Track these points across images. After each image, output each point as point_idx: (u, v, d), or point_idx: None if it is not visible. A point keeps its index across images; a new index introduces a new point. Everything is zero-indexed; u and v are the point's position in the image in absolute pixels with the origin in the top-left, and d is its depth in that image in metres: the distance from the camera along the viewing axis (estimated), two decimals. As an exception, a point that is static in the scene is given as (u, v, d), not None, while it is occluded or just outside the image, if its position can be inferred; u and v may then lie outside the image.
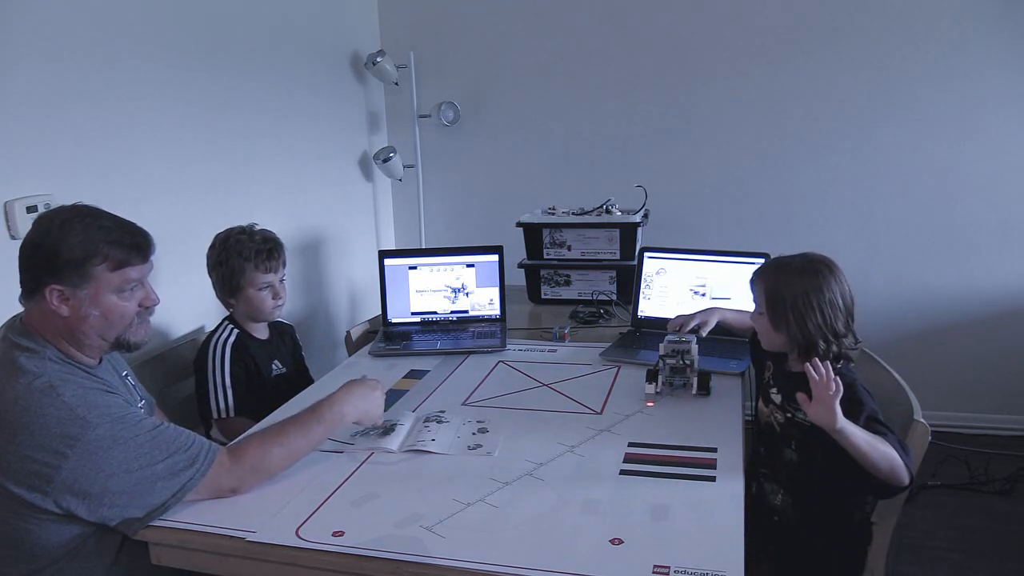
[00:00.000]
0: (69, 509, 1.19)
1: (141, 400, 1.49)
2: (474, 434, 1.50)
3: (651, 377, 1.67)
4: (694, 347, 1.66)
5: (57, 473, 1.16)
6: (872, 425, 1.32)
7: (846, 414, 1.28)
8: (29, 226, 1.57)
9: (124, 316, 1.30)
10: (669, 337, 1.68)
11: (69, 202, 1.61)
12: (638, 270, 2.14)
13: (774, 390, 1.53)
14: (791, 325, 1.43)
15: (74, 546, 1.25)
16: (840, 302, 1.44)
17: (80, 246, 1.23)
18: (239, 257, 1.89)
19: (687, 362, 1.66)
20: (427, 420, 1.56)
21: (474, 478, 1.32)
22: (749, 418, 1.60)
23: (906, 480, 1.29)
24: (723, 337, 1.97)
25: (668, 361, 1.66)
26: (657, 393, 1.65)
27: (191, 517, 1.21)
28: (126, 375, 1.48)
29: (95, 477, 1.17)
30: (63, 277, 1.23)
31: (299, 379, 2.07)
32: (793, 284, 1.44)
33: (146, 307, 1.34)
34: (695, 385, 1.65)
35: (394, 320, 2.22)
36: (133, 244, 1.29)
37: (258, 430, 1.42)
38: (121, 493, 1.19)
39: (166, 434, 1.25)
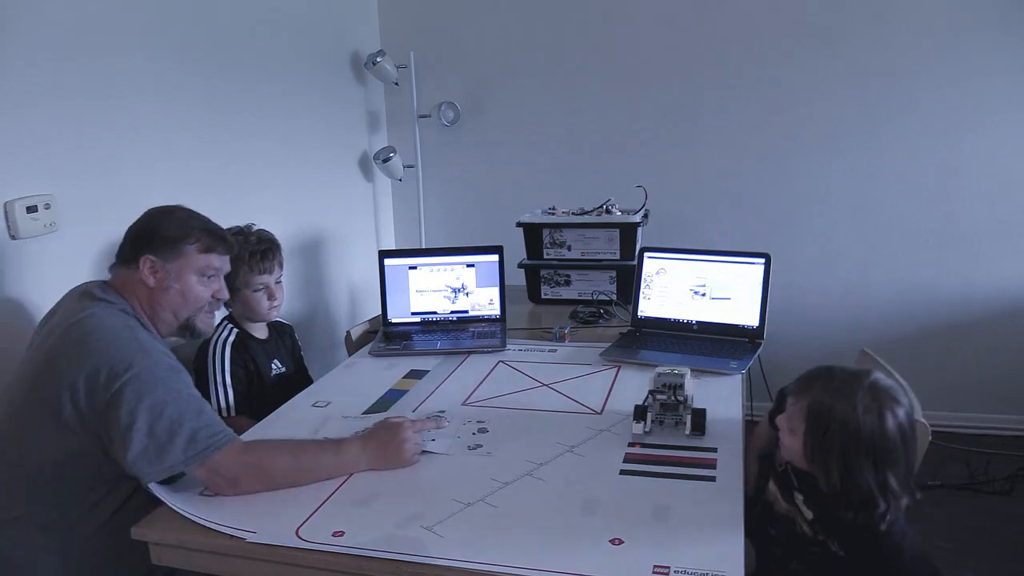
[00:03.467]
0: (106, 435, 1.25)
1: None
2: (474, 434, 1.50)
3: (639, 415, 1.47)
4: (688, 381, 1.49)
5: (106, 392, 1.24)
6: None
7: None
8: (29, 226, 1.60)
9: (198, 299, 1.48)
10: (659, 370, 1.50)
11: (69, 202, 1.64)
12: (638, 270, 2.14)
13: (800, 496, 1.27)
14: (832, 472, 1.16)
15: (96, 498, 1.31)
16: (902, 448, 1.15)
17: (178, 226, 1.46)
18: (234, 257, 1.89)
19: (680, 398, 1.48)
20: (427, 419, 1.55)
21: (474, 478, 1.32)
22: (749, 418, 1.60)
23: None
24: (723, 337, 1.98)
25: (659, 397, 1.49)
26: (646, 432, 1.47)
27: (191, 517, 1.21)
28: None
29: (136, 406, 1.24)
30: (158, 250, 1.43)
31: (299, 379, 2.07)
32: (852, 419, 1.14)
33: (217, 299, 1.53)
34: (688, 424, 1.46)
35: (394, 320, 2.22)
36: (221, 236, 1.52)
37: (277, 438, 1.44)
38: (148, 434, 1.24)
39: (205, 406, 1.32)
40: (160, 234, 1.44)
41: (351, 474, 1.35)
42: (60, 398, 1.26)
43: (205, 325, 1.53)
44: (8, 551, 1.30)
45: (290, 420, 1.62)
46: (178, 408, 1.27)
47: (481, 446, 1.45)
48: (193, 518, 1.21)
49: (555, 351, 2.02)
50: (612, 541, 1.11)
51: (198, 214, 1.52)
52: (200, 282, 1.48)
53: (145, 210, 1.51)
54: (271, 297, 1.95)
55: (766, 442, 1.42)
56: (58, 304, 1.45)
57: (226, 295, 1.56)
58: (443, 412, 1.60)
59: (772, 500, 1.33)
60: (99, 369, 1.26)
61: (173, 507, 1.23)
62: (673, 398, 1.48)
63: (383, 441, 1.38)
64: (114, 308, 1.38)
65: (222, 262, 1.53)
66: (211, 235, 1.49)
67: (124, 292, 1.43)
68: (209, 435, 1.27)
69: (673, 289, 2.09)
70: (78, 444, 1.28)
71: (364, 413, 1.63)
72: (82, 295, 1.41)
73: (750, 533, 1.18)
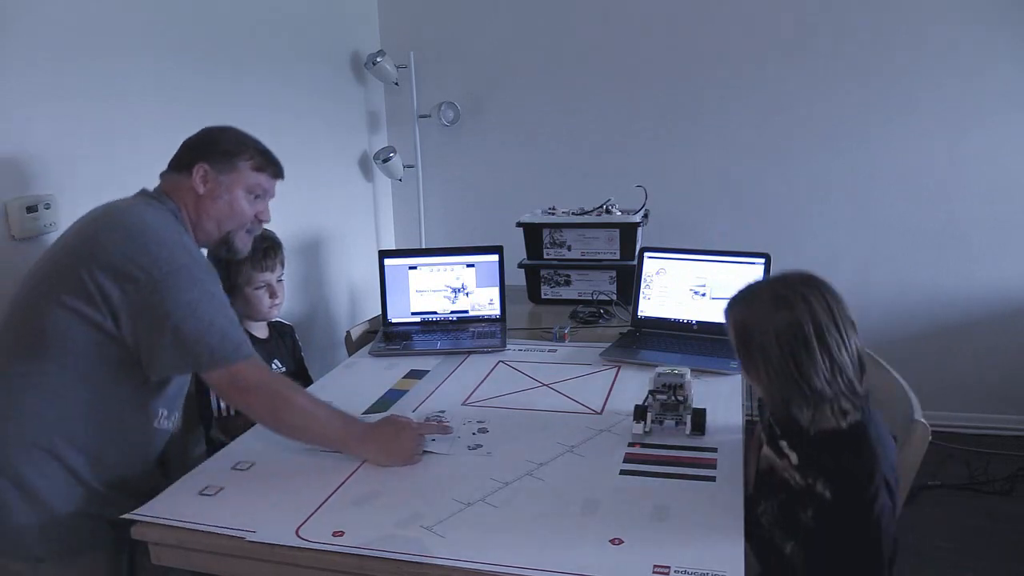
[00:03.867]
0: (132, 327, 1.28)
1: None
2: (474, 434, 1.50)
3: (639, 415, 1.47)
4: (688, 381, 1.48)
5: (146, 283, 1.27)
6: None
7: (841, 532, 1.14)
8: (29, 226, 1.60)
9: (242, 215, 1.50)
10: (659, 370, 1.50)
11: (69, 202, 1.63)
12: (638, 270, 2.14)
13: (784, 443, 1.28)
14: (762, 374, 1.21)
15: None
16: (830, 338, 1.17)
17: (236, 141, 1.50)
18: None
19: (680, 398, 1.47)
20: (427, 420, 1.56)
21: (474, 478, 1.32)
22: (749, 418, 1.60)
23: None
24: (723, 337, 1.97)
25: (658, 397, 1.48)
26: (646, 432, 1.47)
27: (191, 517, 1.21)
28: None
29: (173, 300, 1.27)
30: (213, 160, 1.46)
31: (299, 379, 2.06)
32: (760, 319, 1.21)
33: (260, 220, 1.55)
34: (689, 424, 1.46)
35: (394, 320, 2.22)
36: (273, 159, 1.54)
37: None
38: (177, 329, 1.27)
39: (235, 318, 1.37)
40: (217, 146, 1.48)
41: (346, 455, 1.39)
42: (94, 274, 1.27)
43: (242, 244, 1.54)
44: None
45: (290, 420, 1.62)
46: (212, 309, 1.31)
47: (481, 446, 1.45)
48: (193, 524, 1.20)
49: (555, 351, 2.02)
50: (612, 541, 1.11)
51: (252, 136, 1.55)
52: (247, 199, 1.50)
53: (207, 127, 1.55)
54: (272, 295, 1.95)
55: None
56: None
57: (268, 218, 1.56)
58: (443, 412, 1.60)
59: (766, 468, 1.33)
60: (140, 257, 1.29)
61: (171, 522, 1.22)
62: (673, 398, 1.48)
63: (388, 436, 1.39)
64: (164, 209, 1.42)
65: (270, 184, 1.55)
66: (264, 156, 1.52)
67: (173, 196, 1.46)
68: (238, 342, 1.33)
69: (673, 289, 2.09)
70: (96, 319, 1.28)
71: (364, 413, 1.63)
72: (135, 195, 1.46)
73: (749, 535, 1.17)
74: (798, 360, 1.16)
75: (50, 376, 1.28)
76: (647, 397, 1.50)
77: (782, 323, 1.18)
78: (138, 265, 1.28)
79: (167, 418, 1.44)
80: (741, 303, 1.28)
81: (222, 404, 1.85)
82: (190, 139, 1.52)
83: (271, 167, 1.54)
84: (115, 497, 1.32)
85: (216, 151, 1.47)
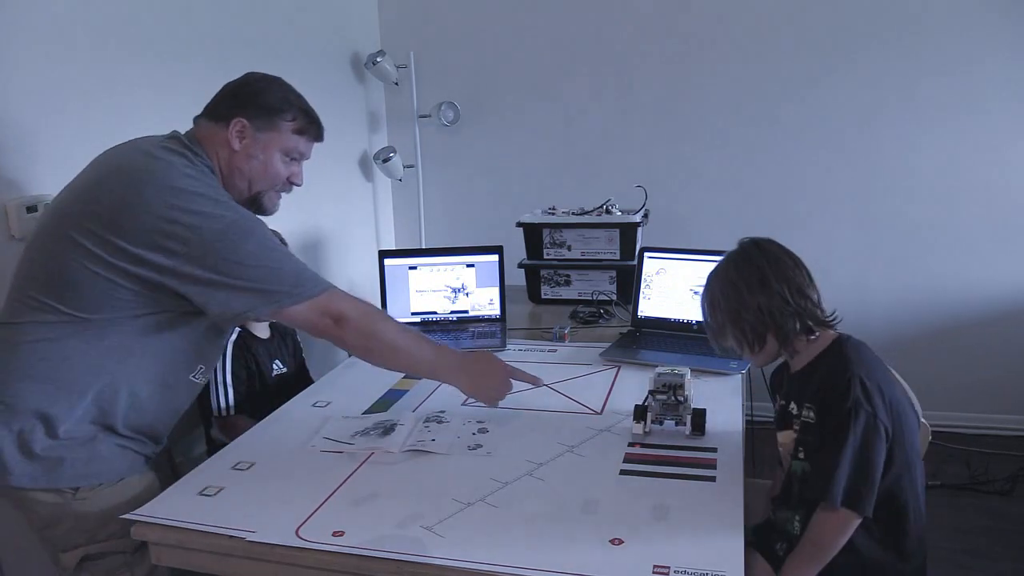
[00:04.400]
0: (184, 285, 1.26)
1: None
2: (474, 434, 1.50)
3: (639, 415, 1.47)
4: (688, 381, 1.48)
5: (199, 238, 1.24)
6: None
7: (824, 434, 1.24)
8: (29, 226, 1.59)
9: (275, 176, 1.44)
10: (659, 370, 1.50)
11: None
12: (638, 270, 2.14)
13: (791, 406, 1.37)
14: (735, 327, 1.35)
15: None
16: (776, 278, 1.33)
17: (281, 98, 1.42)
18: None
19: (680, 398, 1.47)
20: (427, 420, 1.56)
21: (474, 478, 1.32)
22: (749, 418, 1.60)
23: (854, 519, 1.21)
24: (723, 337, 1.97)
25: (658, 397, 1.48)
26: (646, 433, 1.47)
27: (191, 517, 1.21)
28: None
29: (236, 251, 1.26)
30: (252, 115, 1.39)
31: (300, 379, 2.06)
32: (715, 290, 1.38)
33: (292, 183, 1.48)
34: (689, 424, 1.47)
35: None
36: (317, 120, 1.47)
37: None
38: (251, 276, 1.26)
39: (289, 253, 1.37)
40: (259, 101, 1.40)
41: (440, 383, 1.51)
42: (132, 235, 1.23)
43: (271, 204, 1.49)
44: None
45: (290, 420, 1.62)
46: (274, 254, 1.31)
47: (481, 446, 1.45)
48: (193, 524, 1.20)
49: (555, 351, 2.02)
50: (612, 541, 1.11)
51: (297, 92, 1.47)
52: (283, 160, 1.44)
53: (252, 73, 1.47)
54: None
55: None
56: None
57: (301, 181, 1.50)
58: (443, 412, 1.60)
59: (781, 454, 1.42)
60: (185, 217, 1.24)
61: (171, 522, 1.22)
62: (673, 398, 1.48)
63: (483, 372, 1.45)
64: (198, 162, 1.36)
65: (308, 148, 1.48)
66: (307, 116, 1.45)
67: (205, 145, 1.40)
68: (314, 276, 1.33)
69: (673, 289, 2.09)
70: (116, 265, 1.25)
71: (364, 413, 1.63)
72: (168, 138, 1.40)
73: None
74: (756, 290, 1.32)
75: (91, 325, 1.26)
76: (647, 397, 1.50)
77: (739, 273, 1.35)
78: (184, 225, 1.24)
79: (203, 373, 1.46)
80: (707, 283, 1.42)
81: (222, 404, 1.85)
82: (231, 85, 1.44)
83: (313, 129, 1.46)
84: (139, 437, 1.37)
85: (257, 105, 1.40)
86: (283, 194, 1.51)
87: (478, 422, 1.56)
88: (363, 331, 1.37)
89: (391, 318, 1.45)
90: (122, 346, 1.29)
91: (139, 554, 1.29)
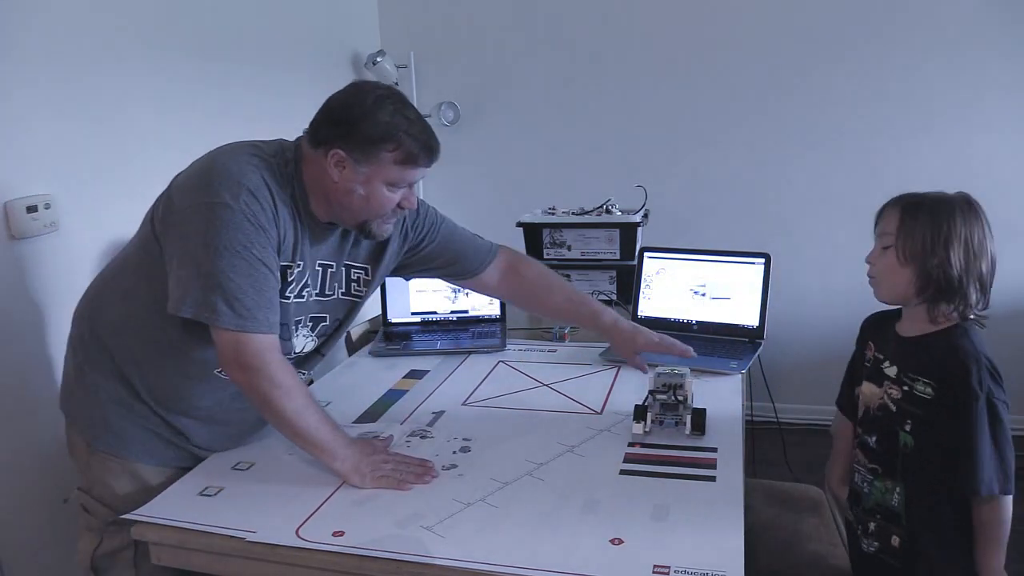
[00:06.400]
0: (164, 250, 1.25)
1: (314, 290, 1.42)
2: (454, 452, 1.43)
3: (639, 415, 1.47)
4: (688, 381, 1.48)
5: (182, 203, 1.24)
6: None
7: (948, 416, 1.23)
8: (29, 226, 1.59)
9: (383, 207, 1.33)
10: (659, 370, 1.50)
11: (69, 202, 1.62)
12: (638, 270, 2.14)
13: (886, 363, 1.36)
14: (928, 256, 1.25)
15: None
16: (988, 246, 1.29)
17: (385, 126, 1.26)
18: None
19: (680, 398, 1.47)
20: (411, 435, 1.51)
21: (474, 478, 1.32)
22: (749, 418, 1.60)
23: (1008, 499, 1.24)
24: (723, 337, 1.97)
25: (659, 397, 1.48)
26: (646, 432, 1.46)
27: (191, 517, 1.21)
28: (330, 266, 1.45)
29: (204, 234, 1.20)
30: (351, 148, 1.27)
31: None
32: (941, 210, 1.27)
33: (403, 208, 1.37)
34: (688, 424, 1.46)
35: (394, 320, 2.22)
36: (427, 144, 1.31)
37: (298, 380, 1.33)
38: (201, 264, 1.20)
39: (263, 278, 1.24)
40: (360, 130, 1.26)
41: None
42: (161, 200, 1.30)
43: (381, 231, 1.38)
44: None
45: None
46: (235, 264, 1.21)
47: (456, 466, 1.37)
48: (193, 524, 1.20)
49: (555, 351, 2.02)
50: (612, 541, 1.11)
51: (408, 108, 1.31)
52: (388, 190, 1.32)
53: (361, 89, 1.31)
54: None
55: (842, 467, 1.52)
56: None
57: (413, 205, 1.39)
58: (429, 428, 1.55)
59: (865, 408, 1.40)
60: (187, 180, 1.27)
61: (171, 522, 1.22)
62: (673, 398, 1.48)
63: (365, 453, 1.32)
64: (269, 163, 1.29)
65: (419, 175, 1.35)
66: (416, 142, 1.29)
67: (305, 166, 1.32)
68: (251, 311, 1.21)
69: (673, 289, 2.09)
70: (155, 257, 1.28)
71: (362, 414, 1.62)
72: (273, 141, 1.36)
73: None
74: (969, 253, 1.27)
75: (136, 292, 1.31)
76: (647, 397, 1.49)
77: (962, 220, 1.29)
78: (185, 188, 1.26)
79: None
80: (917, 200, 1.33)
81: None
82: (332, 105, 1.30)
83: (423, 155, 1.31)
84: (176, 422, 1.38)
85: (357, 136, 1.26)
86: (394, 217, 1.40)
87: (464, 439, 1.49)
88: (260, 389, 1.25)
89: (303, 391, 1.30)
90: (151, 325, 1.33)
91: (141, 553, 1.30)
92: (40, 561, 1.68)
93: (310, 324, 1.46)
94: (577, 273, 2.47)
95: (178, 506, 1.25)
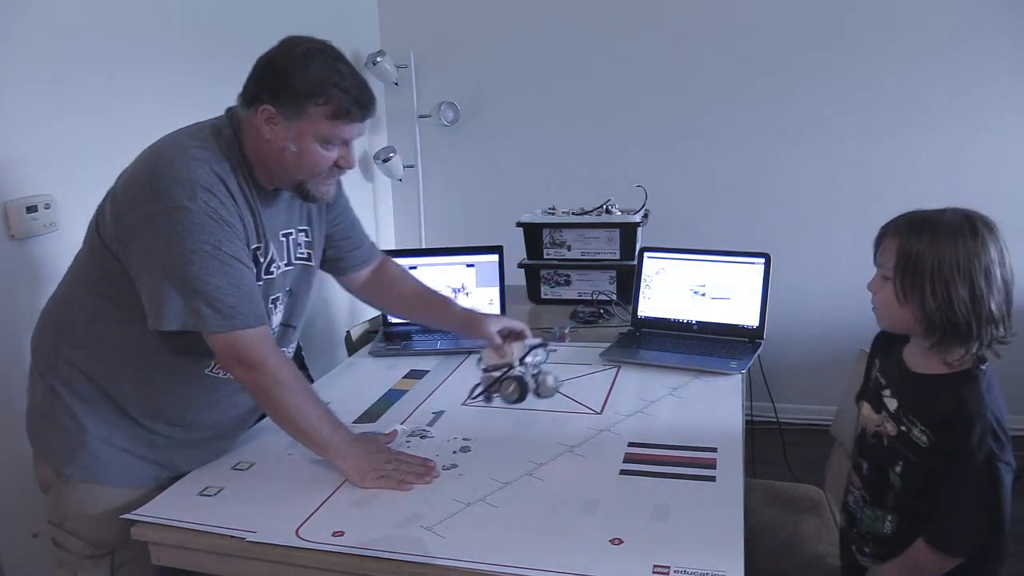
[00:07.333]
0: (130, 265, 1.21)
1: (282, 262, 1.39)
2: (454, 452, 1.44)
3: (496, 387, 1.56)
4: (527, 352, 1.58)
5: (137, 213, 1.19)
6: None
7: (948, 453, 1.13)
8: (29, 226, 1.59)
9: (317, 165, 1.27)
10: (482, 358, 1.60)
11: (69, 202, 1.61)
12: (638, 270, 2.14)
13: (887, 392, 1.28)
14: (927, 299, 1.13)
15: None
16: (999, 274, 1.13)
17: (310, 80, 1.21)
18: None
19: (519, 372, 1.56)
20: (412, 435, 1.52)
21: (474, 478, 1.32)
22: (749, 418, 1.60)
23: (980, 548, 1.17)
24: (723, 337, 1.98)
25: (493, 373, 1.58)
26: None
27: (191, 517, 1.21)
28: (290, 233, 1.41)
29: (166, 241, 1.17)
30: (280, 101, 1.22)
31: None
32: (940, 241, 1.13)
33: (341, 167, 1.32)
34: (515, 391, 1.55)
35: (394, 320, 2.22)
36: (359, 99, 1.25)
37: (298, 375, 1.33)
38: (172, 276, 1.17)
39: (239, 273, 1.21)
40: (288, 83, 1.21)
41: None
42: (107, 206, 1.26)
43: (319, 192, 1.32)
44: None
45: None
46: (207, 265, 1.17)
47: (456, 466, 1.38)
48: (193, 524, 1.20)
49: (555, 351, 2.01)
50: (612, 541, 1.11)
51: (341, 62, 1.25)
52: (322, 147, 1.26)
53: (289, 43, 1.26)
54: None
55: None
56: None
57: (351, 164, 1.32)
58: (429, 428, 1.56)
59: (861, 430, 1.33)
60: (135, 188, 1.21)
61: (171, 522, 1.22)
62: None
63: (369, 452, 1.33)
64: (210, 147, 1.24)
65: (355, 130, 1.28)
66: (346, 96, 1.23)
67: (243, 131, 1.27)
68: (234, 307, 1.19)
69: (673, 289, 2.09)
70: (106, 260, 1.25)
71: (354, 422, 1.60)
72: (211, 121, 1.31)
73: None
74: (975, 291, 1.12)
75: (105, 309, 1.27)
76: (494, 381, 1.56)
77: (965, 253, 1.13)
78: (130, 196, 1.21)
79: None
80: (916, 229, 1.18)
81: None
82: (262, 62, 1.26)
83: (355, 110, 1.25)
84: (163, 432, 1.34)
85: (284, 90, 1.21)
86: (333, 176, 1.35)
87: (464, 439, 1.49)
88: (266, 387, 1.26)
89: (303, 385, 1.30)
90: (123, 335, 1.30)
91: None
92: (41, 560, 1.67)
93: (285, 300, 1.44)
94: (577, 273, 2.47)
95: (178, 506, 1.25)
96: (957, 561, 1.18)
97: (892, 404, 1.26)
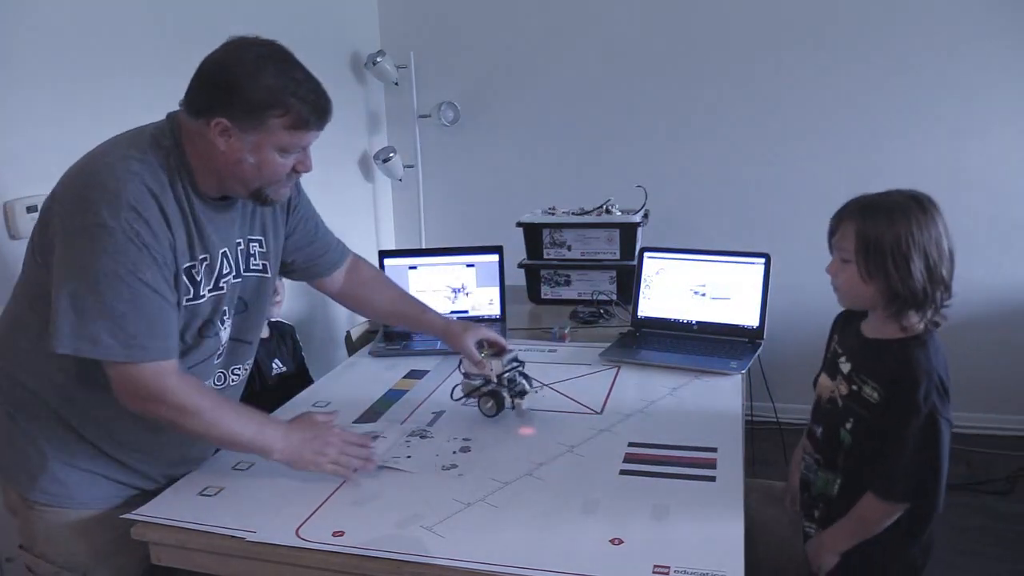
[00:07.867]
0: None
1: (231, 274, 1.32)
2: (454, 452, 1.43)
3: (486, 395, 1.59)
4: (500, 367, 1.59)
5: (61, 225, 1.13)
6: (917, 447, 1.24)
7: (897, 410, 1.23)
8: (29, 226, 1.58)
9: (276, 173, 1.24)
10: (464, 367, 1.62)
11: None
12: (638, 270, 2.14)
13: (843, 359, 1.38)
14: (891, 274, 1.23)
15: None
16: (946, 244, 1.26)
17: (266, 91, 1.16)
18: None
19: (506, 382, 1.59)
20: (411, 434, 1.51)
21: (474, 478, 1.32)
22: (749, 418, 1.60)
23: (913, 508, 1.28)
24: (723, 337, 1.98)
25: (475, 381, 1.61)
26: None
27: (191, 517, 1.21)
28: (241, 244, 1.35)
29: (81, 257, 1.10)
30: (235, 115, 1.16)
31: (300, 379, 2.07)
32: (896, 222, 1.24)
33: (298, 172, 1.28)
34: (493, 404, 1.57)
35: (394, 320, 2.22)
36: (317, 106, 1.22)
37: (212, 390, 1.30)
38: (76, 293, 1.10)
39: (149, 303, 1.13)
40: (243, 95, 1.15)
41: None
42: (41, 221, 1.19)
43: (278, 195, 1.29)
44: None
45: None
46: (118, 290, 1.11)
47: (456, 466, 1.37)
48: (193, 524, 1.20)
49: (555, 351, 2.02)
50: (612, 541, 1.11)
51: (295, 68, 1.22)
52: (281, 155, 1.23)
53: (236, 46, 1.22)
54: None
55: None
56: None
57: (309, 168, 1.29)
58: (429, 428, 1.56)
59: (817, 399, 1.44)
60: (66, 203, 1.14)
61: (171, 522, 1.22)
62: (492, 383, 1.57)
63: (305, 439, 1.29)
64: (147, 161, 1.18)
65: (314, 137, 1.26)
66: (306, 106, 1.20)
67: (186, 139, 1.21)
68: (132, 338, 1.12)
69: (673, 289, 2.09)
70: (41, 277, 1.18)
71: (355, 422, 1.59)
72: (149, 128, 1.26)
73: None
74: (929, 262, 1.24)
75: (44, 329, 1.15)
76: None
77: (919, 229, 1.25)
78: (57, 205, 1.15)
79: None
80: (871, 213, 1.28)
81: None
82: (207, 68, 1.19)
83: (314, 119, 1.22)
84: (122, 457, 1.29)
85: (238, 102, 1.15)
86: (290, 181, 1.32)
87: (464, 439, 1.49)
88: (180, 414, 1.19)
89: (216, 402, 1.24)
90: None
91: None
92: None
93: (235, 314, 1.38)
94: (577, 273, 2.47)
95: (178, 506, 1.25)
96: (899, 510, 1.27)
97: (846, 368, 1.36)
